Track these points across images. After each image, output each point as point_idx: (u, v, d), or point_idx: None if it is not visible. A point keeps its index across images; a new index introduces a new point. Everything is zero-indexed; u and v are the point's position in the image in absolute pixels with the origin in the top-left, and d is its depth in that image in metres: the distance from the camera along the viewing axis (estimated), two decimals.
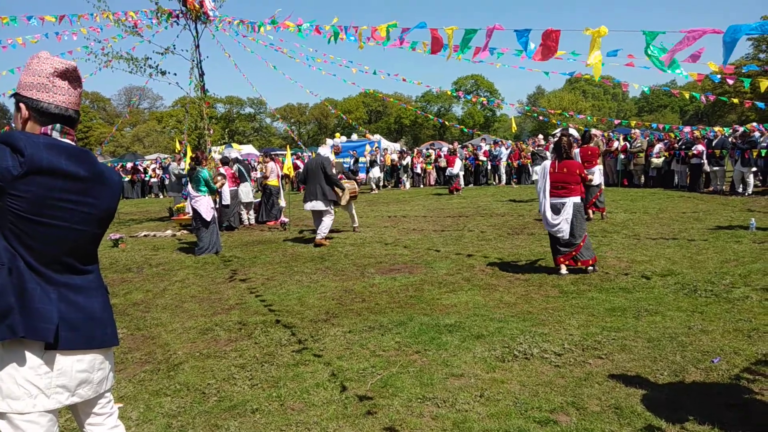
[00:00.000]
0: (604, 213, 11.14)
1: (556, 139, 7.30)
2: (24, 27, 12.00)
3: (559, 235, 6.63)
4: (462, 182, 21.00)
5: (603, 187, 11.12)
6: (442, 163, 24.62)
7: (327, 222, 9.89)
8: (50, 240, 1.90)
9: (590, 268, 6.69)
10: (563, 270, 6.72)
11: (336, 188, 9.95)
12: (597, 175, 10.70)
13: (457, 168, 19.89)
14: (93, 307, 2.03)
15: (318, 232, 9.88)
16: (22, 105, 1.97)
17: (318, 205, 9.72)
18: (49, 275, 1.91)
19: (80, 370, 1.98)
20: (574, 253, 6.66)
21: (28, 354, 1.87)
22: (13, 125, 2.09)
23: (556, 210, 6.69)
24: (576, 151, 11.18)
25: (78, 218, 1.97)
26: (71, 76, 2.04)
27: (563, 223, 6.59)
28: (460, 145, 26.49)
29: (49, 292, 1.90)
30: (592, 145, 11.14)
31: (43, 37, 12.96)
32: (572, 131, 25.03)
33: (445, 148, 28.31)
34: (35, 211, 1.84)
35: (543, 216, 6.81)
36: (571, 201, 6.64)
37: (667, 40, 3.30)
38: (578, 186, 6.75)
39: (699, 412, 3.21)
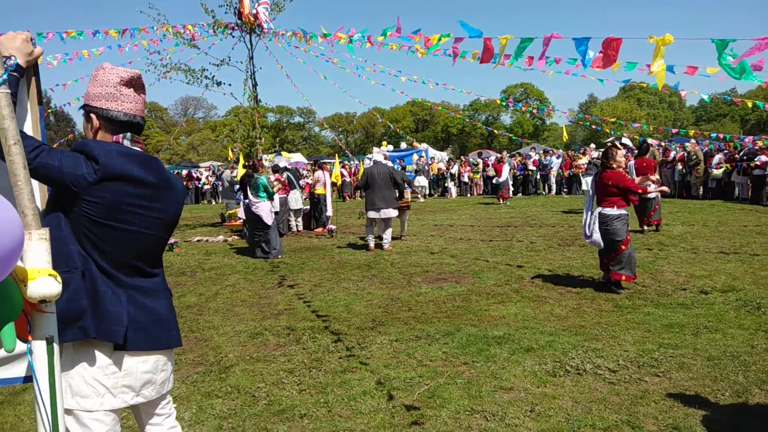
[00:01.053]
0: (659, 224, 10.75)
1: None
2: (89, 40, 12.60)
3: (595, 246, 6.47)
4: (511, 191, 20.73)
5: (660, 200, 10.70)
6: (490, 172, 24.38)
7: (390, 229, 10.36)
8: (122, 244, 1.98)
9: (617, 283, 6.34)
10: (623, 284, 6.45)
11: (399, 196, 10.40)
12: (652, 188, 10.35)
13: (505, 176, 19.66)
14: (159, 309, 2.10)
15: (385, 238, 10.25)
16: (92, 115, 2.05)
17: (390, 212, 10.03)
18: (119, 278, 1.99)
19: (145, 371, 2.05)
20: (604, 260, 6.48)
21: (97, 354, 1.95)
22: (77, 134, 2.20)
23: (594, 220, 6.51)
24: (631, 162, 10.86)
25: (147, 223, 2.05)
26: (136, 84, 2.13)
27: (594, 235, 6.38)
28: (508, 154, 26.17)
29: (119, 294, 1.97)
30: (648, 156, 10.82)
31: (107, 49, 13.59)
32: (626, 141, 24.32)
33: (493, 157, 28.03)
34: (108, 216, 1.93)
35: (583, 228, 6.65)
36: (598, 211, 6.44)
37: (736, 48, 3.19)
38: (614, 198, 6.38)
39: None
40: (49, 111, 21.65)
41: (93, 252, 1.93)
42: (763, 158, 14.80)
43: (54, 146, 2.01)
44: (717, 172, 16.99)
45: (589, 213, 6.58)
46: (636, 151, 12.34)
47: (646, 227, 10.66)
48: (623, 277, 6.31)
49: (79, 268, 1.89)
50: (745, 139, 16.62)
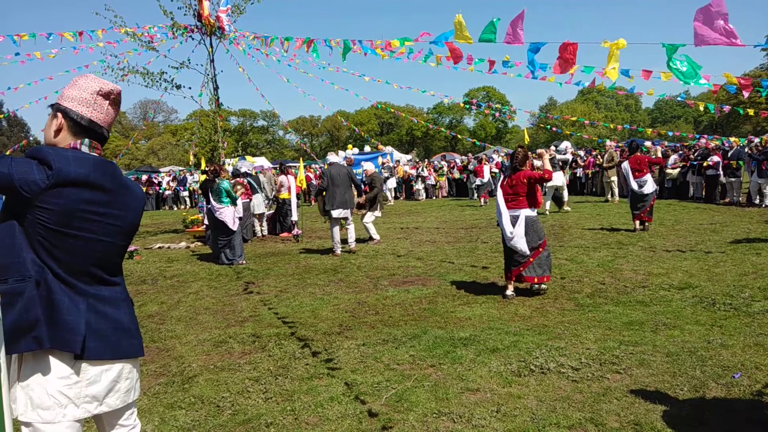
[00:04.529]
0: (648, 223, 10.82)
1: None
2: (43, 42, 12.23)
3: (518, 248, 6.22)
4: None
5: (656, 196, 10.75)
6: (456, 174, 24.62)
7: (353, 228, 10.54)
8: (78, 251, 1.94)
9: (541, 286, 6.35)
10: (509, 291, 6.37)
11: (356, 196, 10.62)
12: (649, 184, 10.57)
13: (486, 177, 20.01)
14: (121, 318, 2.07)
15: (351, 238, 10.39)
16: (59, 113, 2.02)
17: (347, 213, 10.19)
18: (78, 286, 1.95)
19: (109, 379, 2.02)
20: (521, 268, 6.27)
21: (58, 364, 1.91)
22: (31, 139, 2.15)
23: (513, 222, 6.32)
24: (625, 164, 11.08)
25: (104, 230, 2.01)
26: (113, 99, 2.13)
27: (518, 238, 6.21)
28: (473, 156, 26.48)
29: (78, 302, 1.93)
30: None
31: (61, 50, 13.20)
32: (566, 144, 25.07)
33: (458, 159, 28.28)
34: (63, 223, 1.88)
35: (501, 228, 6.42)
36: (524, 213, 6.28)
37: (687, 52, 3.29)
38: (525, 198, 6.32)
39: (721, 429, 3.15)
40: (1, 116, 20.88)
41: (48, 260, 1.89)
42: (716, 158, 15.34)
43: (7, 152, 1.97)
44: (673, 171, 17.54)
45: (506, 214, 6.37)
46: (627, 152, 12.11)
47: (638, 225, 10.76)
48: (547, 278, 6.33)
49: (33, 277, 1.85)
50: (701, 138, 17.20)
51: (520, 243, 6.23)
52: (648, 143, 18.96)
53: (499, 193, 6.56)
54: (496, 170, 24.02)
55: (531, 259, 6.25)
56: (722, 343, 4.50)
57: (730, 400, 3.52)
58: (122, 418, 2.17)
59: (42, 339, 1.84)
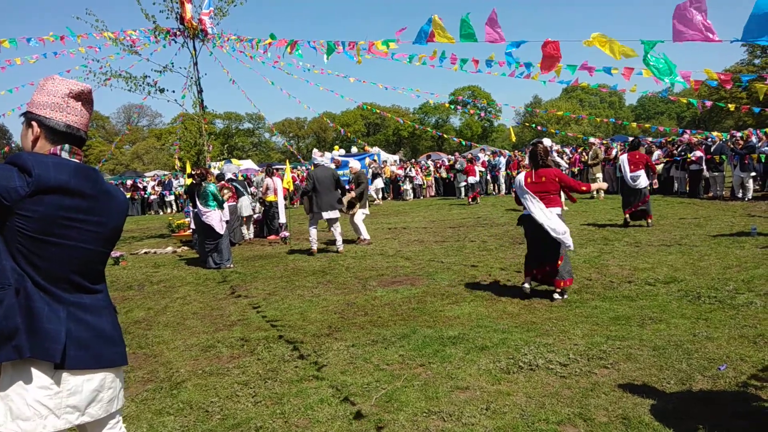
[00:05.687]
0: (650, 220, 10.80)
1: (530, 147, 6.66)
2: (23, 47, 12.08)
3: (567, 243, 5.94)
4: (481, 190, 21.13)
5: (648, 194, 10.86)
6: (443, 173, 24.68)
7: (340, 228, 10.61)
8: (58, 259, 1.91)
9: (557, 296, 6.05)
10: (527, 285, 6.23)
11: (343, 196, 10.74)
12: (642, 179, 10.71)
13: (477, 176, 20.09)
14: (103, 326, 2.04)
15: (339, 241, 10.56)
16: (33, 123, 1.99)
17: (336, 213, 10.31)
18: (58, 294, 1.92)
19: (91, 389, 1.98)
20: (548, 268, 6.07)
21: (38, 374, 1.87)
22: (13, 146, 2.11)
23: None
24: (623, 156, 11.20)
25: (85, 237, 1.99)
26: (85, 99, 2.10)
27: (566, 233, 5.93)
28: (460, 155, 26.58)
29: (58, 311, 1.90)
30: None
31: (42, 57, 13.04)
32: (546, 141, 25.17)
33: (445, 158, 28.34)
34: (43, 231, 1.86)
35: (540, 223, 6.02)
36: (554, 212, 6.02)
37: (665, 48, 3.32)
38: (557, 196, 6.13)
39: (708, 422, 3.18)
40: None
41: (28, 268, 1.86)
42: (699, 153, 15.51)
43: None
44: (657, 167, 17.71)
45: (541, 208, 6.05)
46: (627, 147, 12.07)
47: (629, 217, 10.92)
48: (570, 282, 6.12)
49: (12, 285, 1.82)
50: (684, 134, 17.38)
51: (568, 239, 5.94)
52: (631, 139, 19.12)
53: (529, 192, 6.15)
54: (482, 169, 24.16)
55: (559, 262, 6.03)
56: (708, 335, 4.55)
57: (716, 392, 3.56)
58: (106, 427, 2.14)
59: (22, 348, 1.81)
